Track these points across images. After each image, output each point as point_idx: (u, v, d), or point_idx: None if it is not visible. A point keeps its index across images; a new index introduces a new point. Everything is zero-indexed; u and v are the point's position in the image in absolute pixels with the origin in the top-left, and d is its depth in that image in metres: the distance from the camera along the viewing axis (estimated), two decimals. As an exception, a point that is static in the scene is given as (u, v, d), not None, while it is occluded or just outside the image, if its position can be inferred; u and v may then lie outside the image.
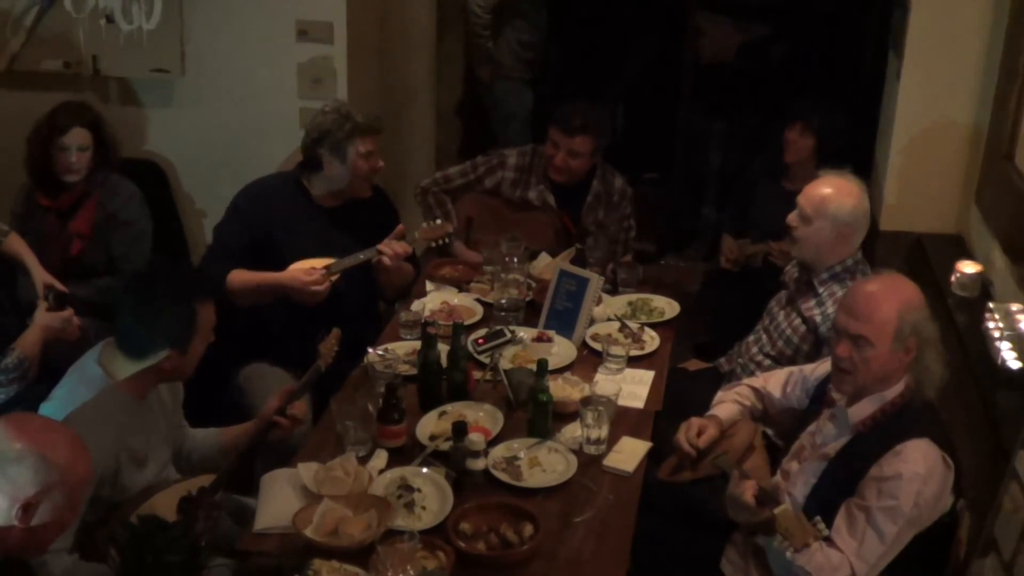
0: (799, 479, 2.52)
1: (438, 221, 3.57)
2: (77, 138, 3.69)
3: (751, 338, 3.38)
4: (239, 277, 3.39)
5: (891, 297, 2.41)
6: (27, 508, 1.93)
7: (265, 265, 3.38)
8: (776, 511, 2.27)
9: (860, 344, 2.40)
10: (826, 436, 2.53)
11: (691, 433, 2.67)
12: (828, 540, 2.32)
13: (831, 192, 3.06)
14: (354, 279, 3.43)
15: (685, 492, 2.72)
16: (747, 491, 2.34)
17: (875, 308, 2.40)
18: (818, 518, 2.26)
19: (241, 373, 3.44)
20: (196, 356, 2.62)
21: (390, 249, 3.36)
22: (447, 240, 3.60)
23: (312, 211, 3.49)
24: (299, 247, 3.42)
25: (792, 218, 3.12)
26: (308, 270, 3.33)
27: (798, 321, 3.17)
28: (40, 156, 3.72)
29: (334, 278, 3.36)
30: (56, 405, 2.53)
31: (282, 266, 3.38)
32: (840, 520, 2.35)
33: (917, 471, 2.30)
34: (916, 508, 2.31)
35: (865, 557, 2.31)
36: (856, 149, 4.29)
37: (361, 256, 3.38)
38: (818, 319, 3.09)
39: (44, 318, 3.04)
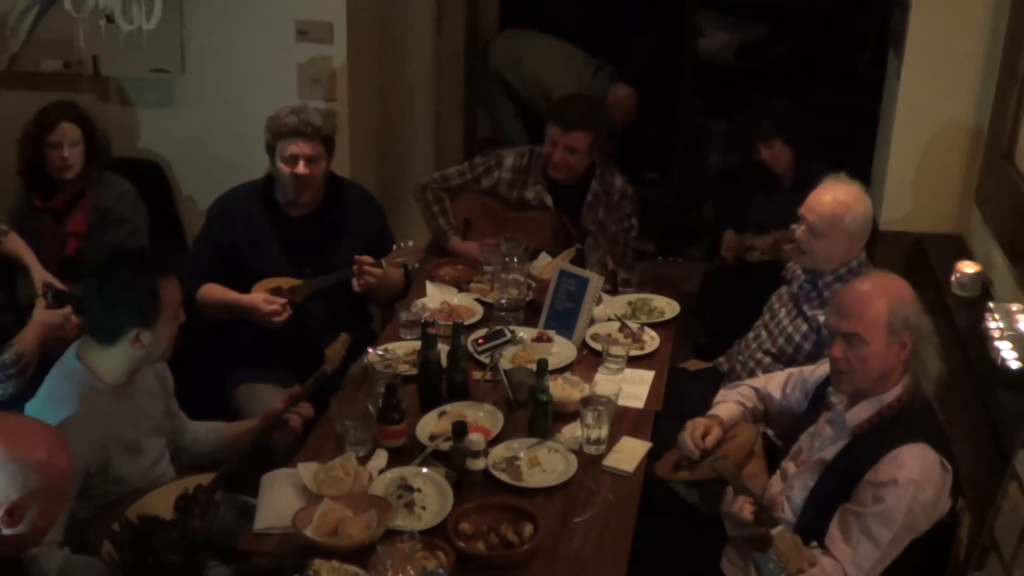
0: (796, 483, 2.52)
1: (410, 243, 3.44)
2: (67, 133, 3.68)
3: (751, 335, 3.37)
4: (209, 292, 3.36)
5: (880, 293, 2.41)
6: (12, 512, 1.92)
7: (235, 278, 3.33)
8: (773, 532, 2.24)
9: (854, 343, 2.39)
10: (824, 440, 2.53)
11: (697, 433, 2.66)
12: (822, 547, 2.31)
13: (840, 205, 3.02)
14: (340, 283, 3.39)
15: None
16: (745, 510, 2.32)
17: (865, 306, 2.39)
18: (814, 543, 2.25)
19: (234, 389, 3.40)
20: (168, 334, 2.58)
21: (361, 279, 3.30)
22: (416, 265, 3.51)
23: (279, 221, 3.41)
24: (264, 260, 3.37)
25: (801, 234, 3.09)
26: (268, 298, 3.29)
27: (801, 322, 3.17)
28: (32, 157, 3.71)
29: (298, 300, 3.32)
30: (40, 402, 2.53)
31: (250, 279, 3.33)
32: (834, 526, 2.35)
33: (912, 477, 2.29)
34: (911, 514, 2.30)
35: (860, 564, 2.30)
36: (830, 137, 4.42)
37: (331, 278, 3.33)
38: (822, 319, 3.08)
39: (43, 315, 3.04)
